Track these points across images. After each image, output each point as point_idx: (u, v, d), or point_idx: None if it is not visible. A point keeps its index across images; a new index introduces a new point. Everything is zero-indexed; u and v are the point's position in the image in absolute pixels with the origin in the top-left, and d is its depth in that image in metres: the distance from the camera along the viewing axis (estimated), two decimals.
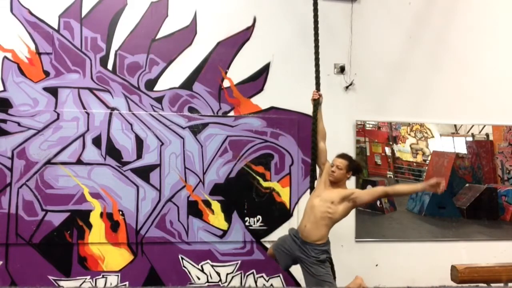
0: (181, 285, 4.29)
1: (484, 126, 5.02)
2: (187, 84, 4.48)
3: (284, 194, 4.55)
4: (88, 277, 4.24)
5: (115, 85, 4.37)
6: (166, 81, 4.45)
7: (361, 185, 4.73)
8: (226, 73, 4.55)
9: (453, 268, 4.05)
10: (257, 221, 4.50)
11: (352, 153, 4.71)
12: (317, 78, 3.92)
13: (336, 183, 3.61)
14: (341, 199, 3.54)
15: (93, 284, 4.20)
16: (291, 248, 3.67)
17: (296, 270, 4.55)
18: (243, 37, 4.59)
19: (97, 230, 4.25)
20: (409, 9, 4.90)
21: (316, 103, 3.86)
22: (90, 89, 4.33)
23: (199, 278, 4.43)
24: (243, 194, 4.48)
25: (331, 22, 4.71)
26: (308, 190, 3.98)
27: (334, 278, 3.71)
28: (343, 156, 3.66)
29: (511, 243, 4.89)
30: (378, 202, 4.76)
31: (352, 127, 4.76)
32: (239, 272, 4.49)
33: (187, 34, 4.50)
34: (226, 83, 4.55)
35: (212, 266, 4.45)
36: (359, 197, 3.55)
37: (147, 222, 4.33)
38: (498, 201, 4.98)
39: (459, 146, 5.00)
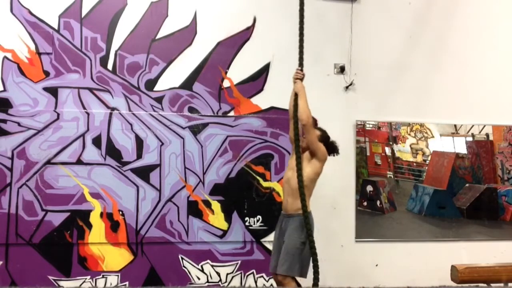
0: (181, 285, 4.29)
1: (484, 126, 5.02)
2: (187, 84, 4.48)
3: None
4: (88, 277, 4.24)
5: (115, 85, 4.37)
6: (166, 81, 4.45)
7: (361, 185, 4.73)
8: (226, 73, 4.55)
9: (453, 268, 4.05)
10: (257, 221, 4.49)
11: (352, 153, 4.72)
12: (301, 52, 3.77)
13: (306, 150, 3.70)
14: (306, 160, 3.65)
15: (93, 284, 4.19)
16: (279, 232, 3.72)
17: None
18: (243, 37, 4.59)
19: (97, 230, 4.25)
20: (409, 9, 4.90)
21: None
22: (90, 89, 4.32)
23: (199, 278, 4.43)
24: (243, 194, 4.48)
25: (331, 22, 4.71)
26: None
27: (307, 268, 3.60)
28: None
29: (511, 243, 4.88)
30: (378, 202, 4.77)
31: (352, 127, 4.76)
32: (239, 272, 4.49)
33: (187, 34, 4.50)
34: (226, 83, 4.55)
35: (212, 266, 4.45)
36: (308, 141, 3.62)
37: (147, 222, 4.32)
38: (498, 201, 4.98)
39: (459, 146, 4.99)
